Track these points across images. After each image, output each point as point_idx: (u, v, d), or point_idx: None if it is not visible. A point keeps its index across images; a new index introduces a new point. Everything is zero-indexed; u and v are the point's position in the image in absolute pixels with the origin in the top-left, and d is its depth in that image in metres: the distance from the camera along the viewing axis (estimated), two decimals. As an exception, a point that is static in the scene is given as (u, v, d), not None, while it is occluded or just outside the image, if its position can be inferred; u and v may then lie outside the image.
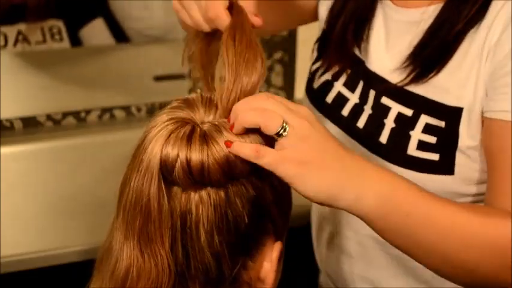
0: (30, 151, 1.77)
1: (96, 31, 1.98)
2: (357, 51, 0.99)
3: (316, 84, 1.05)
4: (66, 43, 1.93)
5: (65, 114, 1.87)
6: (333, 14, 1.02)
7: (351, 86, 0.99)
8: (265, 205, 0.72)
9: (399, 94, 0.93)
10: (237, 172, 0.69)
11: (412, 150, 0.91)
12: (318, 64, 1.05)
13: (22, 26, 1.88)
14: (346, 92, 0.99)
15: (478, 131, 0.88)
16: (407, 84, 0.91)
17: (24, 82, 1.81)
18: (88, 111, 1.88)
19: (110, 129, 1.84)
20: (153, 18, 2.01)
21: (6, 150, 1.73)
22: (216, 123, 0.70)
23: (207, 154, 0.67)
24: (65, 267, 1.44)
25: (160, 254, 0.69)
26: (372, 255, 1.01)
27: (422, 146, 0.90)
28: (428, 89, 0.91)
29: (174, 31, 1.92)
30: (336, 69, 1.01)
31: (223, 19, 0.78)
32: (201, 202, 0.68)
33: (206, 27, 0.81)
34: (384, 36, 0.97)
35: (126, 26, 2.02)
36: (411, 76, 0.91)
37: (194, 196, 0.68)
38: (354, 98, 0.98)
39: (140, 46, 1.96)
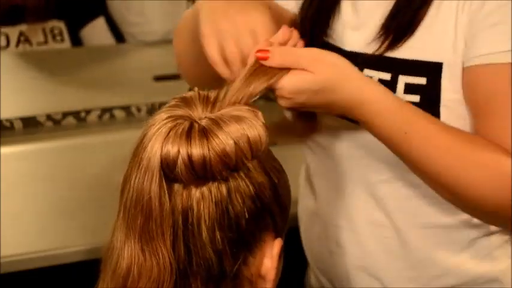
0: (30, 151, 1.76)
1: (97, 30, 1.98)
2: (330, 40, 1.00)
3: None
4: (67, 44, 1.93)
5: (65, 114, 1.87)
6: (303, 13, 1.02)
7: None
8: (265, 200, 0.72)
9: (378, 62, 0.94)
10: (237, 162, 0.69)
11: None
12: None
13: (24, 27, 1.88)
14: None
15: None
16: (384, 51, 0.93)
17: (24, 82, 1.81)
18: (88, 111, 1.88)
19: (110, 129, 1.84)
20: (148, 24, 2.02)
21: (6, 150, 1.73)
22: (213, 117, 0.70)
23: (208, 148, 0.67)
24: (65, 267, 1.44)
25: (162, 252, 0.69)
26: (367, 241, 1.02)
27: None
28: (406, 51, 0.92)
29: (171, 34, 1.93)
30: None
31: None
32: (202, 198, 0.68)
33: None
34: (353, 16, 0.98)
35: (123, 30, 2.03)
36: (387, 42, 0.93)
37: (195, 193, 0.69)
38: None
39: (140, 46, 1.96)
